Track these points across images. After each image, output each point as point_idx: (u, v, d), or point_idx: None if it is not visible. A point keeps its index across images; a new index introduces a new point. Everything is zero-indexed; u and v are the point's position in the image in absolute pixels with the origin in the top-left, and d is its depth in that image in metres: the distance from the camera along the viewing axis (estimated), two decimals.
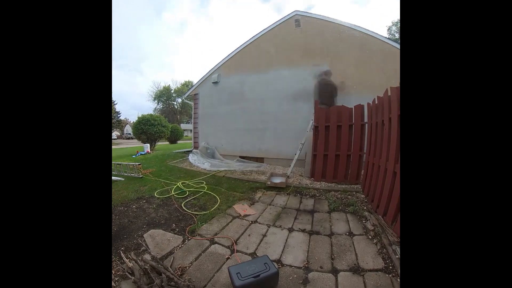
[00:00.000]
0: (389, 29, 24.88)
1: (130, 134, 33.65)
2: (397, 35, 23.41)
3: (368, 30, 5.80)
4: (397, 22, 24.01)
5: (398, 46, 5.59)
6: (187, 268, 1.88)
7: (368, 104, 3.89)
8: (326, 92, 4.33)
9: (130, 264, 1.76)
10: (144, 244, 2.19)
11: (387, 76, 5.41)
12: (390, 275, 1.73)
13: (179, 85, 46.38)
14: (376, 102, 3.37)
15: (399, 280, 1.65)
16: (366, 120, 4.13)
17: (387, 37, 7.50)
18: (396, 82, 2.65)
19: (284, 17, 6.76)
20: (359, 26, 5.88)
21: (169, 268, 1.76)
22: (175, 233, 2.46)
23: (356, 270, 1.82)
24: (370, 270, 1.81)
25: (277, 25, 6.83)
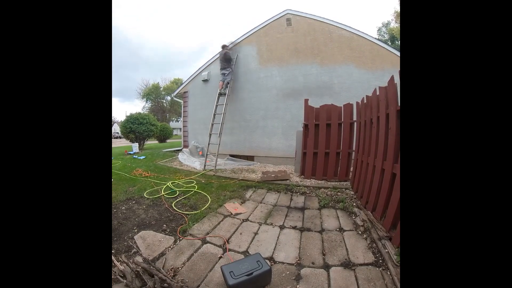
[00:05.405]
0: (379, 30, 25.39)
1: (118, 133, 32.65)
2: (386, 36, 23.96)
3: (357, 30, 5.91)
4: (387, 24, 24.53)
5: (386, 46, 5.73)
6: (180, 269, 1.86)
7: (357, 103, 3.97)
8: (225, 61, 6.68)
9: (122, 267, 1.72)
10: (135, 246, 2.15)
11: (375, 76, 5.55)
12: (380, 269, 1.78)
13: (168, 83, 45.48)
14: (365, 101, 3.44)
15: (389, 273, 1.71)
16: (355, 118, 4.21)
17: (377, 38, 7.66)
18: (384, 81, 2.72)
19: (276, 15, 6.74)
20: (348, 26, 5.97)
21: (162, 270, 1.73)
22: (166, 234, 2.42)
23: (347, 265, 1.87)
24: (361, 265, 1.86)
25: (268, 24, 6.81)
